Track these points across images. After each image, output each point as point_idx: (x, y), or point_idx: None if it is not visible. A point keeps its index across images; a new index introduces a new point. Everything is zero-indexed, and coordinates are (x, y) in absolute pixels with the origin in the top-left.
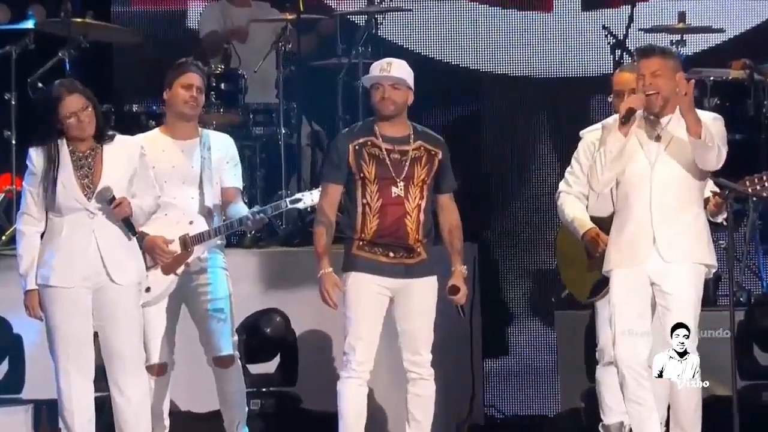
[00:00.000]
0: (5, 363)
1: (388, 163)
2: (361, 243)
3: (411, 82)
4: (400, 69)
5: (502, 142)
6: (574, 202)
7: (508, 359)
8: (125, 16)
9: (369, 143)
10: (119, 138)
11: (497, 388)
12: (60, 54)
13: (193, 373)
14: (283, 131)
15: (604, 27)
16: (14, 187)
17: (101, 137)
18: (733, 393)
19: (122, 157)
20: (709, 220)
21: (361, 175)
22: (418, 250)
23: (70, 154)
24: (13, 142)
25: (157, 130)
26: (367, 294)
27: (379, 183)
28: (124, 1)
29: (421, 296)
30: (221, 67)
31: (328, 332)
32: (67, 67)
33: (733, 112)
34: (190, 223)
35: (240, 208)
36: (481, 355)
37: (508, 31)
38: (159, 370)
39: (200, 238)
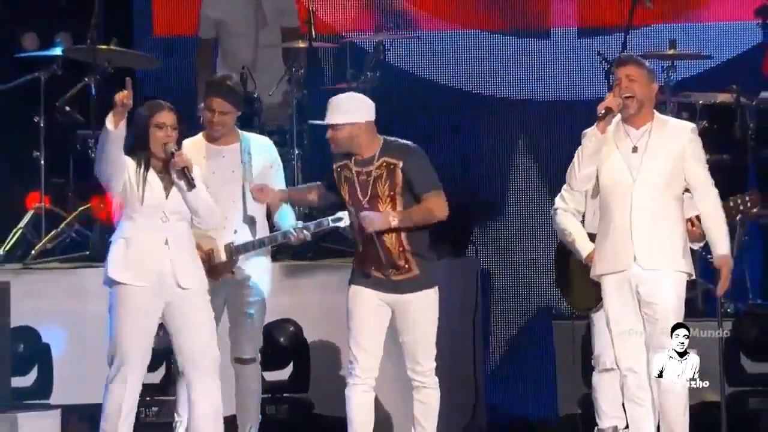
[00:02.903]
0: (34, 370)
1: (357, 185)
2: (356, 257)
3: (353, 115)
4: (335, 112)
5: (504, 162)
6: (572, 220)
7: (510, 367)
8: (147, 43)
9: (345, 166)
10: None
11: (499, 395)
12: (86, 79)
13: None
14: (296, 152)
15: (598, 53)
16: (43, 204)
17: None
18: (721, 399)
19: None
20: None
21: (342, 196)
22: (407, 265)
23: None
24: (42, 162)
25: (199, 135)
26: (363, 305)
27: (354, 205)
28: (145, 29)
29: (417, 309)
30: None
31: (339, 341)
32: (93, 92)
33: (721, 135)
34: (235, 232)
35: (287, 217)
36: (483, 362)
37: (508, 56)
38: None
39: (244, 248)
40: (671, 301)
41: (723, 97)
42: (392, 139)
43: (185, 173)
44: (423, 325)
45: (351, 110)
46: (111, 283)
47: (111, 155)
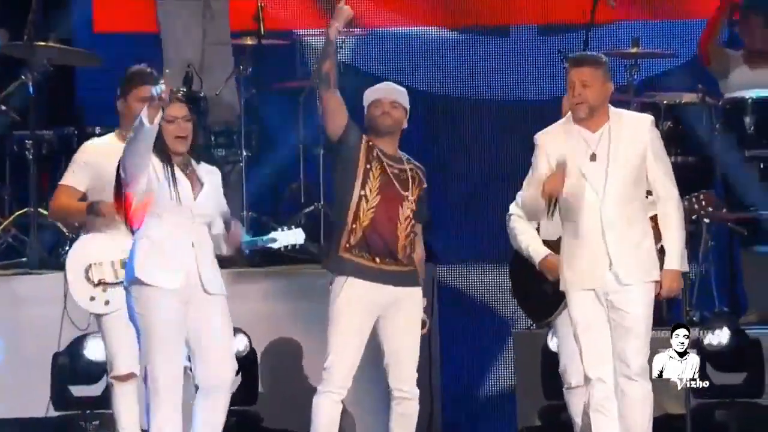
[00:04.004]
0: None
1: (390, 174)
2: (346, 243)
3: (407, 106)
4: (397, 92)
5: (459, 164)
6: (527, 228)
7: (467, 378)
8: (88, 39)
9: (376, 146)
10: (203, 164)
11: (455, 407)
12: (23, 77)
13: None
14: (244, 153)
15: (559, 51)
16: None
17: (196, 156)
18: (686, 411)
19: (213, 179)
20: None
21: (367, 168)
22: (405, 259)
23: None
24: None
25: (112, 135)
26: (354, 304)
27: (381, 187)
28: (86, 25)
29: (414, 308)
30: (183, 90)
31: (289, 351)
32: (31, 91)
33: (686, 135)
34: None
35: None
36: (439, 374)
37: (465, 55)
38: (125, 380)
39: None
40: (643, 312)
41: (688, 98)
42: (404, 153)
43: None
44: (415, 328)
45: (407, 101)
46: (135, 283)
47: (143, 151)
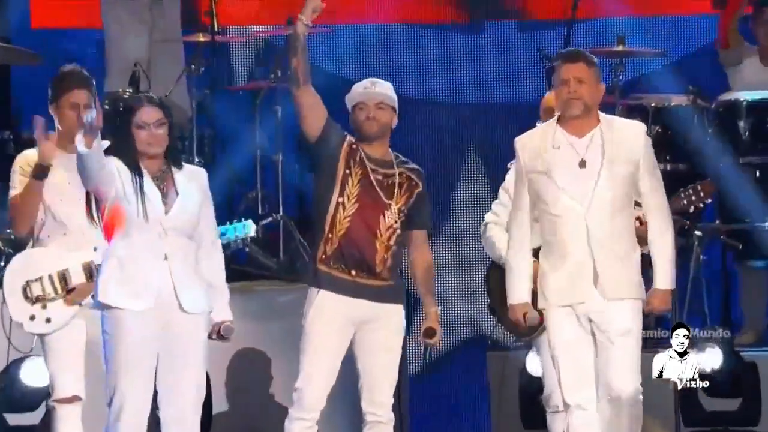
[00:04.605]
0: None
1: (374, 181)
2: (323, 253)
3: (396, 104)
4: (384, 88)
5: (429, 167)
6: (503, 235)
7: (438, 401)
8: (25, 36)
9: (359, 149)
10: (188, 166)
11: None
12: None
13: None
14: (197, 160)
15: (539, 50)
16: None
17: (175, 160)
18: None
19: (193, 186)
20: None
21: (336, 155)
22: (385, 273)
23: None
24: None
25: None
26: (329, 323)
27: (360, 195)
28: (23, 20)
29: (394, 325)
30: (129, 91)
31: (246, 376)
32: None
33: (676, 141)
34: (95, 249)
35: None
36: (409, 397)
37: (436, 53)
38: (68, 403)
39: None
40: (632, 332)
41: (678, 100)
42: (398, 154)
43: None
44: (393, 347)
45: (395, 97)
46: (102, 307)
47: (96, 172)
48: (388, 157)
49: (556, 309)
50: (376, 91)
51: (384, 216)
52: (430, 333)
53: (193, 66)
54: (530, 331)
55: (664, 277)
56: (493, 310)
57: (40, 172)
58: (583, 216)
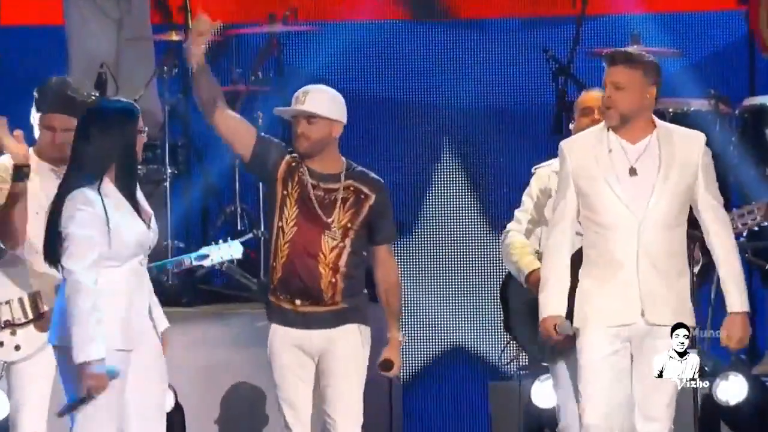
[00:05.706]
0: None
1: (313, 199)
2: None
3: (334, 112)
4: (315, 99)
5: (425, 180)
6: (522, 239)
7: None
8: None
9: (300, 166)
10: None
11: None
12: None
13: None
14: (169, 170)
15: (545, 50)
16: None
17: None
18: None
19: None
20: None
21: (273, 180)
22: (334, 298)
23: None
24: None
25: (29, 150)
26: (285, 354)
27: (300, 218)
28: None
29: (342, 352)
30: (95, 95)
31: (217, 405)
32: None
33: None
34: None
35: None
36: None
37: (432, 52)
38: None
39: None
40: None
41: (698, 104)
42: (354, 164)
43: None
44: (352, 371)
45: (334, 105)
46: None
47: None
48: (336, 169)
49: (596, 329)
50: (305, 105)
51: (324, 236)
52: (386, 366)
53: (165, 67)
54: (552, 351)
55: (740, 297)
56: (509, 327)
57: (20, 172)
58: (636, 229)
